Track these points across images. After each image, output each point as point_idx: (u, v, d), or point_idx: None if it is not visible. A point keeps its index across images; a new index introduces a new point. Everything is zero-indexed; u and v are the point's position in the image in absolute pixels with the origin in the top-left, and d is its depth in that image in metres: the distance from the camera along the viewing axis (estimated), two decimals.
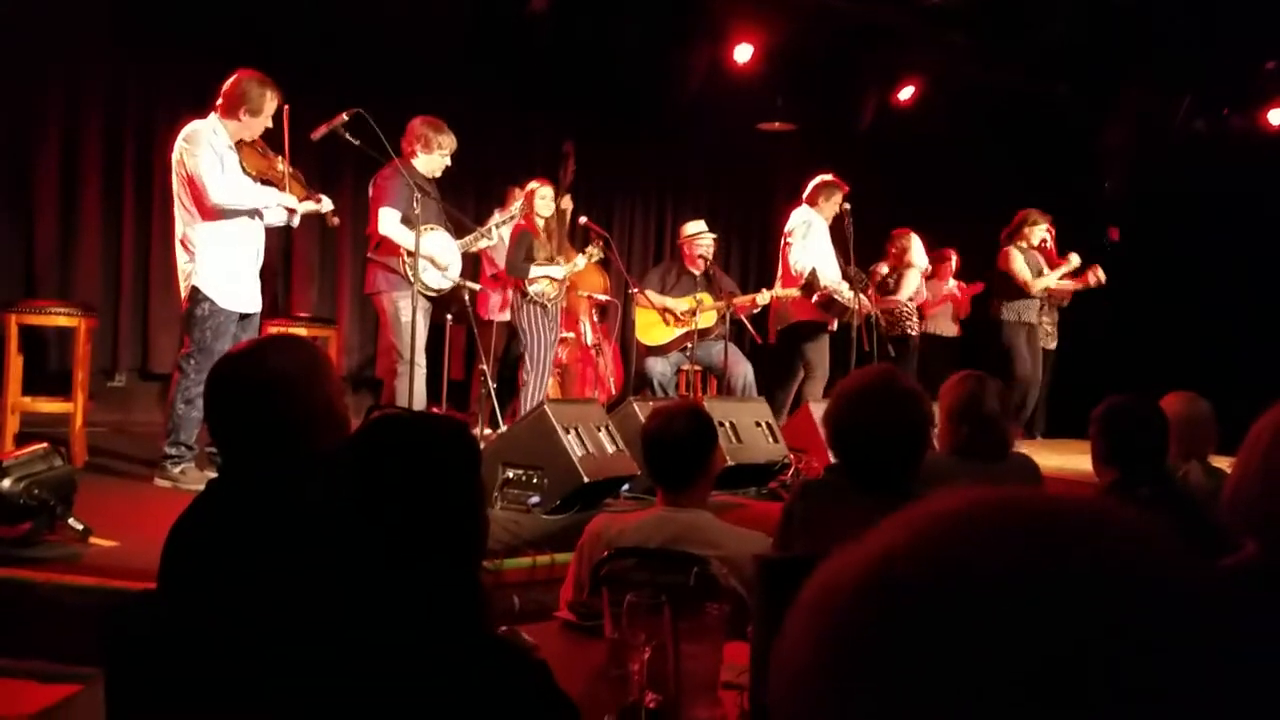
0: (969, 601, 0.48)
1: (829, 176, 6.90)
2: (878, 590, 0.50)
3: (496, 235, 6.09)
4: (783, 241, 7.02)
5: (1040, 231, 7.49)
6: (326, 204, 5.12)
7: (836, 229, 6.96)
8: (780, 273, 7.00)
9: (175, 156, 4.77)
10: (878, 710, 0.48)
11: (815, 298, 6.67)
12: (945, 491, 0.54)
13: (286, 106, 4.87)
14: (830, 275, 6.72)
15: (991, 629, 0.47)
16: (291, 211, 4.99)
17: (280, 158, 4.95)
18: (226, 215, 4.74)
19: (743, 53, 8.01)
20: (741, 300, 6.85)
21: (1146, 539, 0.51)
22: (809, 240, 6.79)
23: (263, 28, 6.53)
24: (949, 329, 8.72)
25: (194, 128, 4.75)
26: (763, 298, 6.78)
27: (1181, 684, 0.46)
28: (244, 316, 4.90)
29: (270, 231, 5.06)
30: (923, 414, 2.36)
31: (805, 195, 6.93)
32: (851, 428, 2.34)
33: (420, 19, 7.09)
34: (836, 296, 6.71)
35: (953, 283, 8.74)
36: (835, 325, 7.41)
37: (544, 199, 6.14)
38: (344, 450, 1.40)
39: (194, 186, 4.69)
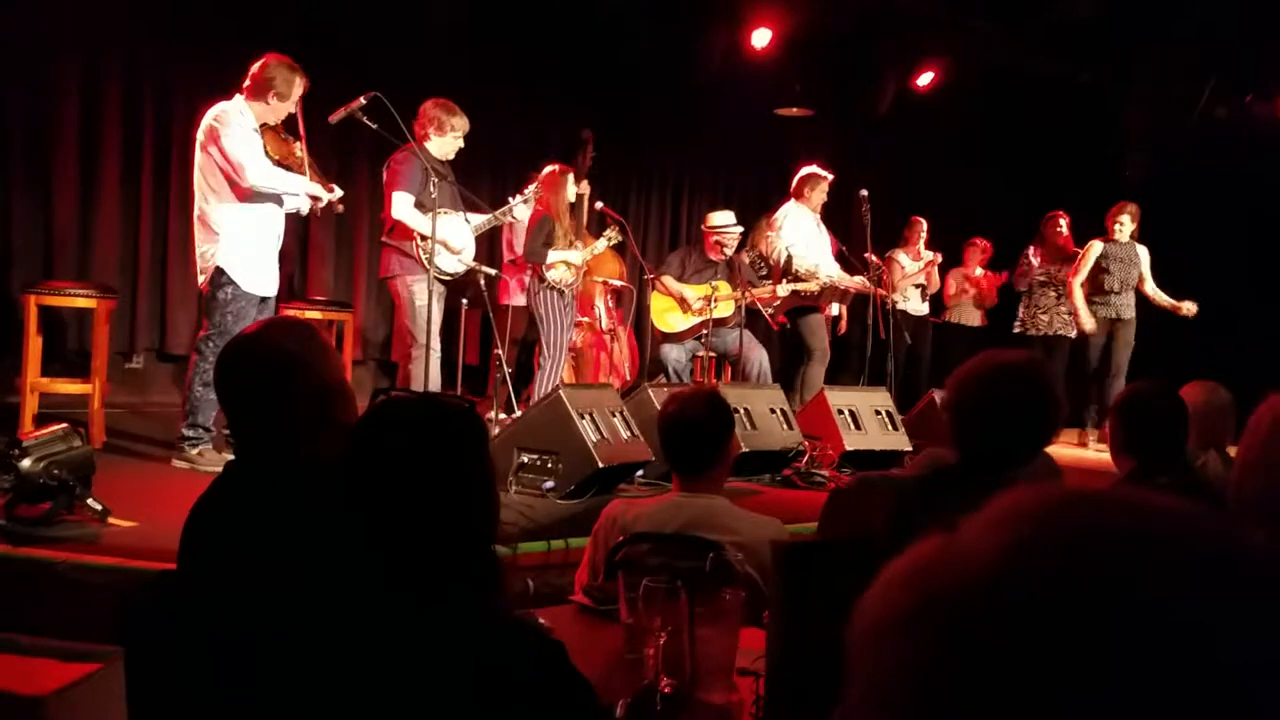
0: (1094, 610, 0.49)
1: (813, 168, 6.91)
2: (998, 594, 0.51)
3: (511, 217, 6.07)
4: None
5: (1128, 224, 7.42)
6: (337, 193, 5.12)
7: (853, 218, 6.95)
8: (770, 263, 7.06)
9: (202, 136, 4.76)
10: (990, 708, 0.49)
11: (800, 287, 6.70)
12: (1027, 489, 0.56)
13: (305, 85, 4.86)
14: (809, 260, 6.73)
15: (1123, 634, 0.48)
16: (315, 200, 5.00)
17: (299, 143, 4.95)
18: (255, 198, 4.76)
19: (761, 37, 7.97)
20: (760, 291, 6.84)
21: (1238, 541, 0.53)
22: (784, 231, 6.85)
23: (278, 10, 6.53)
24: (973, 318, 8.67)
25: (223, 108, 4.75)
26: (783, 289, 6.77)
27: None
28: (263, 300, 4.92)
29: (287, 215, 5.07)
30: (1052, 411, 2.19)
31: (791, 188, 6.94)
32: (982, 405, 2.17)
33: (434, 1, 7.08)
34: (813, 282, 6.72)
35: (979, 271, 8.68)
36: (833, 310, 7.40)
37: (567, 185, 6.13)
38: (352, 432, 1.40)
39: (227, 166, 4.69)
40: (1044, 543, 0.51)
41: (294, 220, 5.14)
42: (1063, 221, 7.94)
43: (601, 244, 6.25)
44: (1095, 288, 7.44)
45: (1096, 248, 7.40)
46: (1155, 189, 8.73)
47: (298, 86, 4.81)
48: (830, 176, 6.89)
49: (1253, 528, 1.54)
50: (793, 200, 6.93)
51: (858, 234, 6.94)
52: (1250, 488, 1.51)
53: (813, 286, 6.74)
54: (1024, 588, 0.50)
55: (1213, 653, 0.48)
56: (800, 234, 6.82)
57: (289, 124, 4.97)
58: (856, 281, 6.93)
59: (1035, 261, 7.97)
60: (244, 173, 4.66)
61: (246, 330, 1.96)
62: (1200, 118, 8.72)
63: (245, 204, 4.76)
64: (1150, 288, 7.46)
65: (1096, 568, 0.49)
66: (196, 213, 4.82)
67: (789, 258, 6.78)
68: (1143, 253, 7.48)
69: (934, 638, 0.51)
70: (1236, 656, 0.48)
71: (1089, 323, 7.42)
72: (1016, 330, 8.02)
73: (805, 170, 6.95)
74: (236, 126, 4.69)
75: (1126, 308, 7.46)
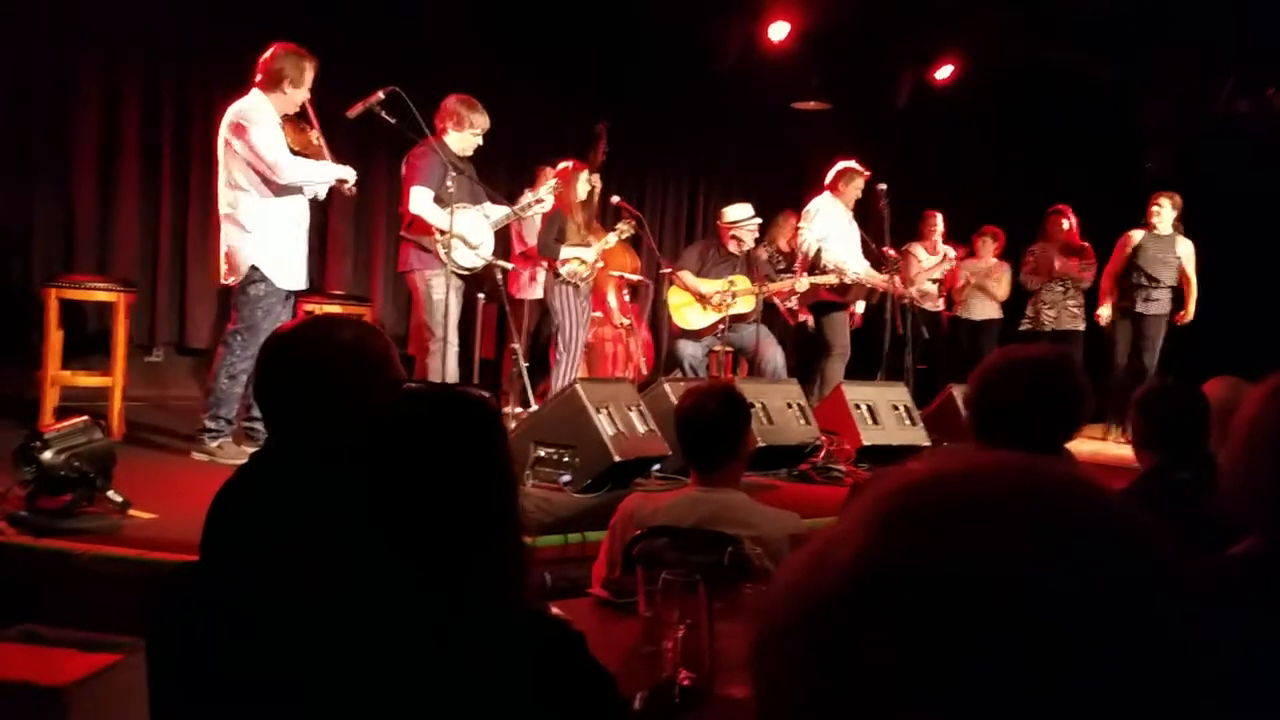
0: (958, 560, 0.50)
1: (850, 163, 6.87)
2: (875, 551, 0.52)
3: (531, 213, 6.08)
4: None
5: (1166, 212, 7.37)
6: (349, 174, 5.13)
7: (872, 212, 6.92)
8: (799, 256, 7.04)
9: (226, 133, 4.76)
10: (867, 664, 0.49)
11: (820, 279, 6.68)
12: (924, 462, 0.56)
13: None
14: (838, 255, 6.70)
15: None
16: (342, 182, 5.00)
17: (314, 130, 4.96)
18: (283, 192, 4.77)
19: (778, 30, 7.95)
20: (779, 286, 6.81)
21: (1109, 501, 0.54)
22: (815, 223, 6.81)
23: (295, 5, 6.53)
24: (985, 311, 8.55)
25: (247, 104, 4.74)
26: (801, 284, 6.74)
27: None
28: (290, 294, 4.94)
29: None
30: (1075, 408, 2.17)
31: (826, 182, 6.90)
32: (1004, 401, 2.15)
33: None
34: (842, 277, 6.69)
35: (993, 261, 8.56)
36: (858, 306, 7.37)
37: (581, 181, 6.13)
38: (370, 425, 1.40)
39: (260, 164, 4.70)
40: (895, 544, 0.51)
41: (313, 213, 5.15)
42: (1071, 218, 7.87)
43: (612, 238, 6.24)
44: (1124, 281, 7.40)
45: (1134, 237, 7.36)
46: (1177, 183, 8.66)
47: (308, 72, 4.81)
48: (867, 173, 6.84)
49: (1243, 526, 1.52)
50: (826, 193, 6.89)
51: (876, 228, 6.90)
52: (1234, 487, 1.50)
53: (831, 279, 6.70)
54: (878, 593, 0.50)
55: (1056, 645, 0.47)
56: (832, 228, 6.78)
57: (301, 111, 4.98)
58: (883, 279, 6.88)
59: (1058, 264, 7.82)
60: (278, 171, 4.67)
61: (295, 323, 1.96)
62: (1222, 111, 8.65)
63: (274, 199, 4.78)
64: (1190, 280, 7.40)
65: (940, 569, 0.49)
66: (224, 210, 4.83)
67: (819, 251, 6.73)
68: (1185, 247, 7.40)
69: (811, 643, 0.51)
70: (1083, 646, 0.47)
71: (1105, 313, 7.38)
72: (1025, 327, 7.95)
73: (841, 164, 6.89)
74: (265, 124, 4.69)
75: (1154, 304, 7.40)
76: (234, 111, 4.76)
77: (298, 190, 4.86)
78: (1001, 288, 8.25)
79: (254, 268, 4.75)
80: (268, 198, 4.76)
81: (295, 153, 4.86)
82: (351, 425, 1.65)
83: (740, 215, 6.79)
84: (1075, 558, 0.49)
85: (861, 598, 0.50)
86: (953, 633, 0.48)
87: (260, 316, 4.74)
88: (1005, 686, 0.47)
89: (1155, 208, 7.38)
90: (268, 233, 4.76)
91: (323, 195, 5.13)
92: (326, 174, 4.90)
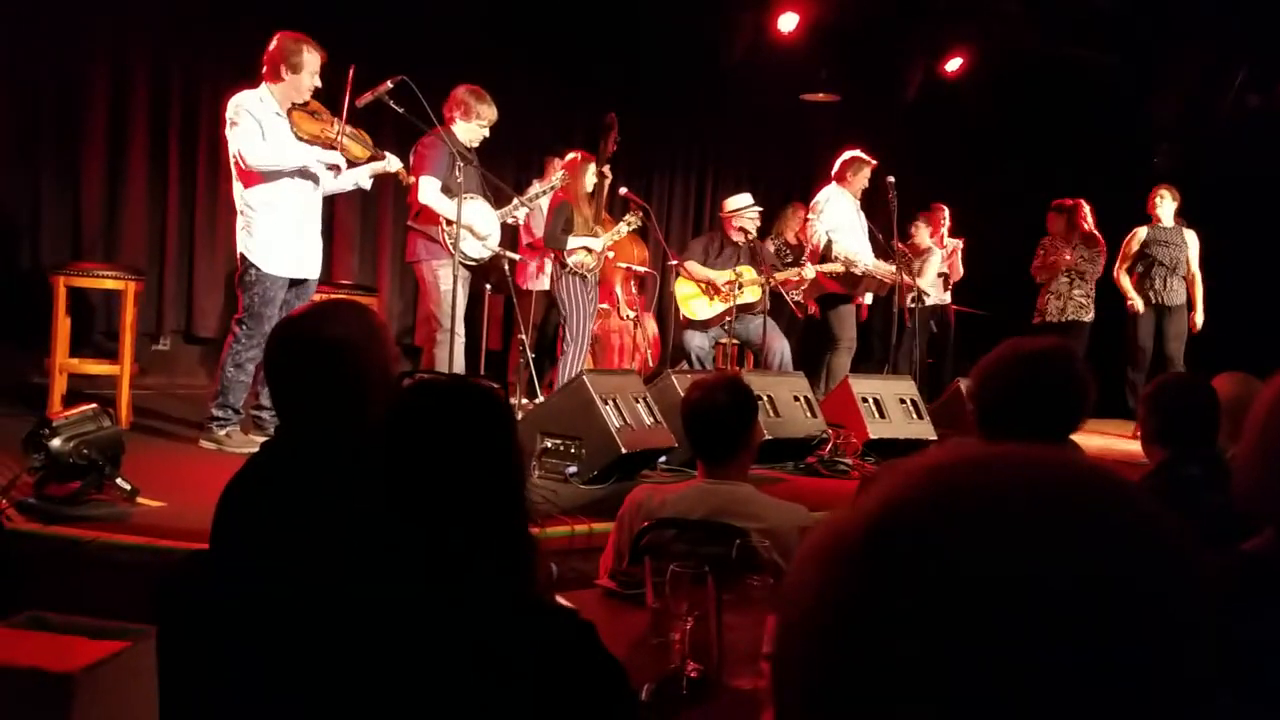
0: (965, 545, 0.51)
1: (856, 152, 6.85)
2: (884, 535, 0.53)
3: (535, 205, 6.08)
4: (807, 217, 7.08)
5: (1168, 204, 7.37)
6: (394, 163, 5.13)
7: (878, 203, 6.90)
8: (808, 248, 7.02)
9: (228, 128, 4.80)
10: (880, 654, 0.50)
11: (827, 268, 6.66)
12: (939, 450, 0.57)
13: (353, 67, 4.85)
14: (849, 247, 6.68)
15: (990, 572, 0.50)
16: (335, 168, 4.99)
17: (337, 120, 4.96)
18: (269, 179, 4.77)
19: (787, 22, 7.93)
20: (786, 275, 6.80)
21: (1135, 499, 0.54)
22: (825, 214, 6.80)
23: None
24: (941, 298, 8.43)
25: (239, 98, 4.78)
26: (809, 272, 6.73)
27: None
28: (297, 283, 4.93)
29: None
30: (1078, 400, 2.16)
31: (833, 172, 6.88)
32: (1006, 394, 2.15)
33: None
34: (853, 269, 6.67)
35: (925, 246, 8.35)
36: (866, 299, 7.34)
37: (588, 173, 6.12)
38: (386, 413, 1.40)
39: (234, 154, 4.74)
40: (902, 507, 0.53)
41: (324, 203, 5.15)
42: (1086, 209, 7.82)
43: (622, 228, 6.23)
44: (1140, 275, 7.40)
45: (1140, 234, 7.36)
46: (1187, 177, 8.63)
47: (309, 57, 4.80)
48: (873, 162, 6.83)
49: (1258, 521, 1.51)
50: (834, 184, 6.87)
51: (883, 221, 6.88)
52: (1248, 481, 1.49)
53: (837, 268, 6.68)
54: (889, 589, 0.51)
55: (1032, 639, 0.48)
56: (841, 218, 6.76)
57: (332, 105, 4.98)
58: (891, 270, 6.86)
59: (1068, 256, 7.73)
60: (243, 156, 4.71)
61: (302, 310, 1.97)
62: (1232, 106, 8.61)
63: (267, 187, 4.78)
64: (1195, 274, 7.39)
65: (946, 567, 0.50)
66: (237, 202, 4.88)
67: (829, 242, 6.72)
68: (1191, 237, 7.40)
69: (824, 637, 0.53)
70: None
71: (1139, 302, 7.35)
72: (1035, 321, 7.89)
73: (848, 154, 6.87)
74: (245, 114, 4.71)
75: (1173, 294, 7.38)
76: (229, 105, 4.80)
77: (291, 178, 4.84)
78: (925, 276, 7.95)
79: (242, 255, 4.79)
80: (258, 186, 4.77)
81: (308, 143, 4.87)
82: (351, 410, 1.65)
83: (740, 204, 6.79)
84: (1080, 555, 0.49)
85: (872, 593, 0.51)
86: (959, 629, 0.48)
87: (259, 304, 4.76)
88: (1013, 682, 0.47)
89: (1157, 199, 7.40)
90: (256, 220, 4.78)
91: (367, 185, 5.17)
92: (302, 158, 4.84)
